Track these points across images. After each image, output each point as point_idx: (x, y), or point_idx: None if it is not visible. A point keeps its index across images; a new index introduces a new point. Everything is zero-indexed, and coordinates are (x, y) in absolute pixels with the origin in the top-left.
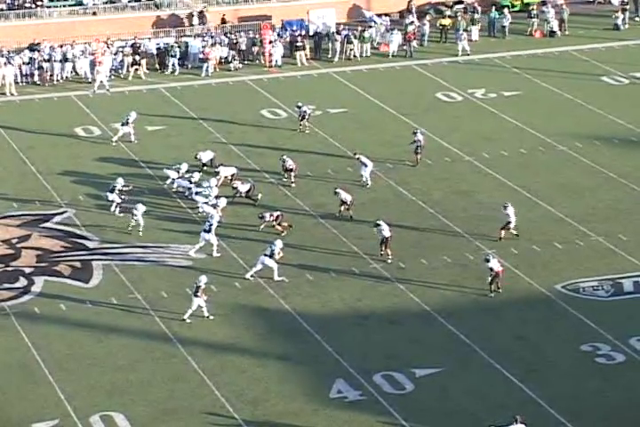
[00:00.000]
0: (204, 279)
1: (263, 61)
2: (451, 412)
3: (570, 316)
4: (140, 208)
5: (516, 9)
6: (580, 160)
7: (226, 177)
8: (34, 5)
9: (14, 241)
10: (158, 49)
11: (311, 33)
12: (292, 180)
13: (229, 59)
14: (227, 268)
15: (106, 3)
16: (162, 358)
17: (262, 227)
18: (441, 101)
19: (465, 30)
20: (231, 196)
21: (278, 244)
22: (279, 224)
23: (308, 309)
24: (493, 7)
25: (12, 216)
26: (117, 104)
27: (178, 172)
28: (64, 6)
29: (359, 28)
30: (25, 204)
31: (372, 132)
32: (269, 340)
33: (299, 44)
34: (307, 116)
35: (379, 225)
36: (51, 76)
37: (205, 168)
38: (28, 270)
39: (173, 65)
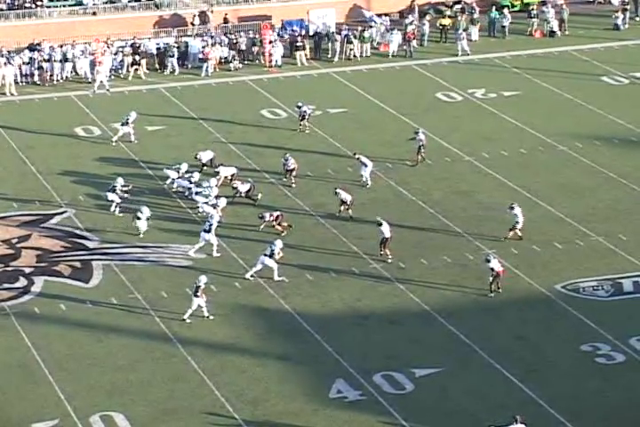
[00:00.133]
0: (203, 279)
1: (263, 61)
2: (451, 412)
3: (570, 316)
4: (145, 211)
5: (515, 9)
6: (580, 160)
7: (226, 177)
8: (34, 5)
9: (14, 241)
10: (158, 49)
11: (311, 33)
12: (293, 180)
13: (229, 59)
14: (227, 268)
15: (106, 3)
16: (162, 358)
17: (262, 227)
18: (441, 101)
19: (464, 30)
20: (231, 196)
21: (278, 244)
22: (279, 224)
23: (307, 309)
24: (494, 7)
25: (12, 216)
26: (117, 104)
27: (178, 172)
28: (64, 6)
29: (359, 28)
30: (25, 204)
31: (371, 132)
32: (269, 340)
33: (299, 44)
34: (307, 116)
35: (381, 224)
36: (51, 76)
37: (205, 168)
38: (27, 270)
39: (172, 65)
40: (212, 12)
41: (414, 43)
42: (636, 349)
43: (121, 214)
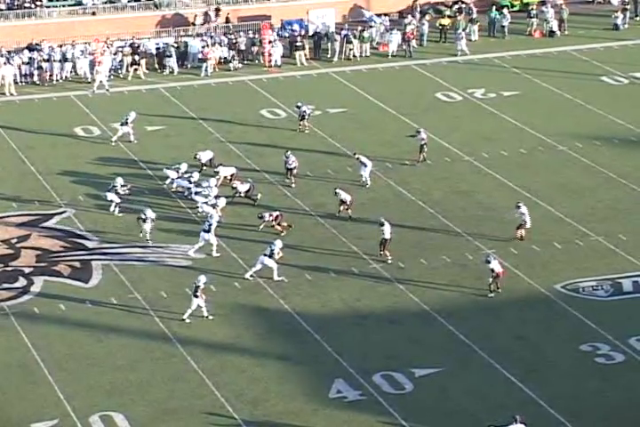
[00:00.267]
0: (203, 279)
1: (263, 61)
2: (450, 412)
3: (569, 316)
4: (149, 213)
5: (515, 9)
6: (580, 160)
7: (225, 177)
8: (33, 5)
9: (14, 241)
10: (158, 49)
11: (311, 33)
12: (293, 180)
13: (229, 59)
14: (226, 268)
15: (105, 3)
16: (161, 358)
17: (262, 227)
18: (440, 101)
19: (463, 30)
20: (230, 196)
21: (278, 244)
22: (279, 224)
23: (307, 309)
24: (494, 7)
25: (12, 216)
26: (117, 104)
27: (177, 172)
28: (63, 6)
29: (359, 28)
30: (24, 204)
31: (371, 132)
32: (269, 340)
33: (298, 43)
34: (306, 116)
35: (383, 224)
36: (50, 76)
37: (205, 168)
38: (27, 270)
39: (170, 65)
40: (219, 10)
41: (414, 43)
42: (636, 349)
43: (120, 214)
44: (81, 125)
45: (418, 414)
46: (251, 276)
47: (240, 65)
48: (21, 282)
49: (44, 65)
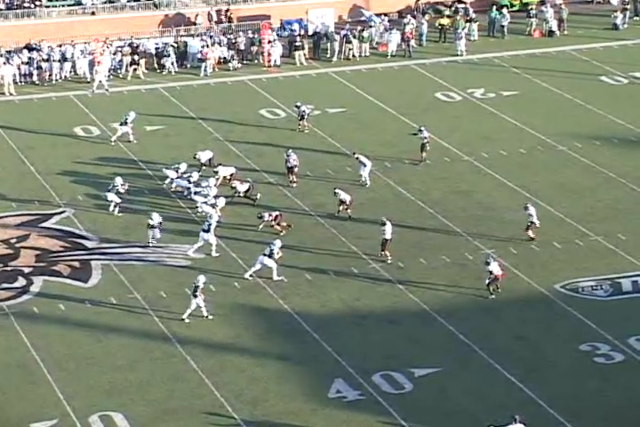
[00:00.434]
0: (202, 279)
1: (262, 61)
2: (450, 412)
3: (569, 316)
4: (156, 218)
5: (514, 8)
6: (580, 160)
7: (225, 177)
8: (32, 5)
9: (13, 241)
10: (157, 49)
11: (310, 33)
12: (295, 180)
13: (228, 58)
14: (226, 268)
15: (105, 2)
16: (161, 357)
17: (261, 227)
18: (440, 101)
19: (462, 30)
20: (230, 195)
21: (277, 243)
22: (278, 224)
23: (307, 308)
24: (494, 7)
25: (11, 216)
26: (116, 104)
27: (177, 171)
28: (63, 6)
29: (358, 28)
30: (24, 204)
31: (371, 131)
32: (268, 340)
33: (297, 43)
34: (306, 116)
35: (384, 224)
36: (50, 75)
37: (204, 168)
38: (26, 270)
39: (168, 65)
40: (228, 10)
41: (413, 42)
42: (635, 348)
43: (120, 214)
44: (80, 125)
45: (417, 414)
46: (250, 276)
47: (239, 65)
48: (21, 282)
49: (44, 65)
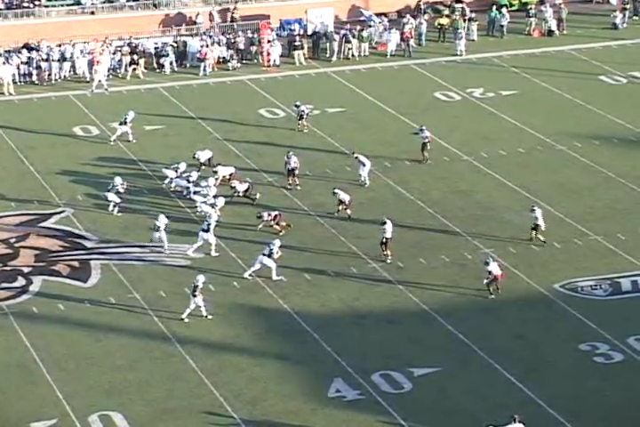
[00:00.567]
0: (201, 279)
1: (261, 61)
2: (449, 411)
3: (568, 315)
4: (162, 220)
5: (514, 8)
6: (579, 160)
7: (224, 176)
8: (32, 5)
9: (12, 241)
10: (156, 48)
11: (309, 32)
12: (297, 182)
13: (228, 58)
14: (225, 267)
15: (104, 2)
16: (160, 357)
17: (261, 226)
18: (439, 101)
19: (462, 29)
20: (229, 195)
21: (277, 243)
22: (277, 224)
23: (306, 308)
24: (494, 6)
25: (11, 216)
26: (116, 103)
27: (176, 171)
28: (62, 6)
29: (357, 28)
30: (23, 203)
31: (370, 131)
32: (268, 339)
33: (297, 43)
34: (305, 116)
35: (385, 223)
36: (49, 75)
37: (204, 167)
38: (26, 270)
39: (167, 65)
40: (236, 9)
41: (412, 42)
42: (635, 348)
43: (119, 214)
44: (80, 125)
45: (417, 413)
46: (249, 275)
47: (239, 64)
48: (20, 282)
49: (43, 65)
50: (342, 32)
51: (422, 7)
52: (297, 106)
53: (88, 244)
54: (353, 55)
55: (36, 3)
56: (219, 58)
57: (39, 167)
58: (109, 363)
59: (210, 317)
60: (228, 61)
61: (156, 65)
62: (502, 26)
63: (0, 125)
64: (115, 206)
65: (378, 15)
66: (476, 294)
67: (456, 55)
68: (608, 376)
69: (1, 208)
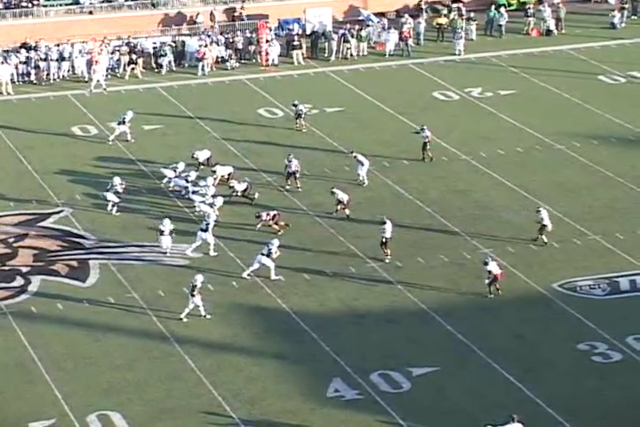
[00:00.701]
0: (200, 278)
1: (260, 60)
2: (448, 411)
3: (567, 315)
4: (167, 224)
5: (512, 8)
6: (578, 159)
7: (222, 176)
8: (30, 4)
9: (11, 240)
10: (155, 48)
11: (308, 32)
12: (298, 184)
13: (226, 58)
14: (224, 267)
15: (102, 2)
16: (159, 357)
17: (259, 226)
18: (438, 100)
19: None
20: (228, 195)
21: (275, 243)
22: (276, 223)
23: (304, 308)
24: (492, 6)
25: (9, 215)
26: (114, 103)
27: (175, 171)
28: (60, 5)
29: (356, 27)
30: (22, 203)
31: (369, 131)
32: (266, 339)
33: (295, 42)
34: (302, 115)
35: (385, 223)
36: (47, 75)
37: (202, 167)
38: (24, 270)
39: (165, 64)
40: (242, 8)
41: (411, 42)
42: (633, 347)
43: (118, 213)
44: (78, 125)
45: (415, 413)
46: (248, 275)
47: (237, 64)
48: (19, 281)
49: (42, 64)
50: (341, 32)
51: (423, 7)
52: (295, 105)
53: (87, 243)
54: (351, 55)
55: (35, 2)
56: (217, 57)
57: (38, 167)
58: (108, 363)
59: (208, 316)
60: (227, 61)
61: (154, 65)
62: (501, 25)
63: None
64: (113, 206)
65: (376, 15)
66: (475, 293)
67: (454, 55)
68: (606, 376)
69: (0, 208)
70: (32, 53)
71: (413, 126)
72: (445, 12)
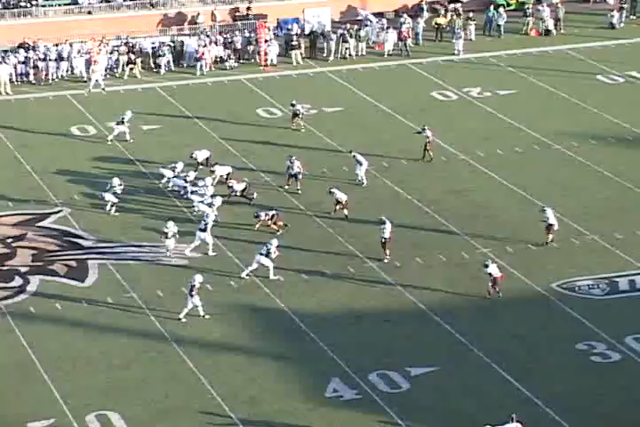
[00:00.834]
0: (198, 278)
1: (258, 60)
2: (447, 411)
3: (566, 315)
4: (171, 226)
5: (511, 7)
6: (576, 159)
7: (221, 176)
8: (29, 4)
9: (9, 240)
10: (153, 48)
11: (307, 32)
12: (298, 187)
13: (225, 58)
14: (222, 267)
15: (101, 2)
16: (158, 357)
17: (258, 226)
18: (437, 100)
19: (460, 29)
20: (227, 195)
21: (274, 243)
22: (275, 223)
23: (303, 308)
24: (492, 6)
25: (8, 215)
26: (113, 103)
27: (173, 171)
28: (59, 5)
29: (355, 27)
30: (20, 203)
31: (367, 131)
32: (265, 339)
33: (294, 42)
34: (299, 115)
35: (384, 223)
36: (46, 75)
37: (201, 167)
38: (23, 270)
39: (164, 64)
40: (249, 8)
41: (409, 42)
42: (632, 347)
43: (117, 213)
44: (77, 125)
45: (414, 413)
46: (247, 275)
47: (236, 64)
48: (17, 281)
49: (40, 64)
50: (340, 31)
51: (424, 7)
52: (292, 105)
53: (85, 243)
54: (350, 55)
55: (33, 2)
56: (216, 57)
57: (36, 167)
58: (107, 362)
59: (207, 316)
60: (226, 61)
61: (153, 65)
62: (499, 25)
63: None
64: (112, 206)
65: (375, 15)
66: (473, 293)
67: (453, 55)
68: (605, 376)
69: None
70: (31, 53)
71: (412, 126)
72: (442, 11)
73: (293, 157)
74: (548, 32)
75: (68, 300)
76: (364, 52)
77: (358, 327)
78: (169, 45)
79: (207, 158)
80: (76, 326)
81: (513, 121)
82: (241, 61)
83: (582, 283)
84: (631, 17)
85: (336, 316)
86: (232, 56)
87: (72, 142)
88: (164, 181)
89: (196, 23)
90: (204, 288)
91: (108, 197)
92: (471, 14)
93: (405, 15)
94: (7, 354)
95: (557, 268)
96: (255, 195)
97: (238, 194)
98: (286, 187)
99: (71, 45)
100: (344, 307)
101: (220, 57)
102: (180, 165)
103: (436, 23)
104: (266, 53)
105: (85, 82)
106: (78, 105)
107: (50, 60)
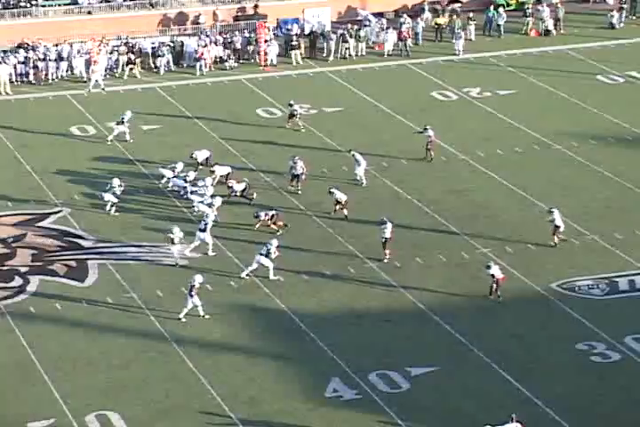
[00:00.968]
0: (198, 278)
1: (258, 60)
2: (446, 411)
3: (565, 315)
4: (177, 232)
5: (511, 8)
6: (576, 159)
7: (221, 176)
8: (29, 4)
9: (9, 240)
10: (153, 48)
11: (306, 32)
12: (299, 187)
13: (225, 58)
14: (222, 267)
15: (101, 2)
16: (157, 357)
17: (258, 226)
18: (436, 100)
19: (459, 29)
20: (226, 195)
21: (274, 243)
22: (274, 223)
23: (303, 308)
24: (492, 6)
25: (8, 215)
26: (113, 103)
27: (173, 171)
28: (59, 5)
29: (355, 27)
30: (20, 203)
31: (367, 131)
32: (265, 339)
33: (294, 42)
34: (297, 115)
35: (385, 223)
36: (46, 75)
37: (201, 167)
38: (23, 270)
39: (163, 65)
40: (256, 7)
41: (409, 42)
42: (632, 347)
43: (117, 214)
44: (77, 125)
45: (414, 413)
46: (247, 275)
47: (236, 64)
48: (17, 281)
49: (40, 64)
50: (339, 31)
51: (425, 7)
52: (290, 105)
53: (85, 243)
54: (350, 55)
55: (33, 2)
56: (216, 57)
57: (36, 167)
58: (106, 363)
59: (207, 316)
60: (226, 61)
61: (152, 65)
62: (499, 25)
63: None
64: (112, 206)
65: (375, 15)
66: (473, 293)
67: (453, 55)
68: (605, 376)
69: None
70: (30, 53)
71: (412, 126)
72: (442, 12)
73: (297, 157)
74: (547, 32)
75: (67, 300)
76: (364, 53)
77: (358, 327)
78: (168, 45)
79: (207, 158)
80: (76, 326)
81: (513, 121)
82: (241, 61)
83: (582, 283)
84: (631, 17)
85: (336, 316)
86: (232, 56)
87: (72, 142)
88: (163, 181)
89: (197, 23)
90: (203, 288)
91: (108, 197)
92: (471, 14)
93: (405, 15)
94: (7, 354)
95: (557, 268)
96: (255, 195)
97: (238, 194)
98: (290, 187)
99: (71, 45)
100: (344, 307)
101: (220, 57)
102: (179, 166)
103: (435, 23)
104: (266, 53)
105: (85, 82)
106: (78, 105)
107: (50, 60)
